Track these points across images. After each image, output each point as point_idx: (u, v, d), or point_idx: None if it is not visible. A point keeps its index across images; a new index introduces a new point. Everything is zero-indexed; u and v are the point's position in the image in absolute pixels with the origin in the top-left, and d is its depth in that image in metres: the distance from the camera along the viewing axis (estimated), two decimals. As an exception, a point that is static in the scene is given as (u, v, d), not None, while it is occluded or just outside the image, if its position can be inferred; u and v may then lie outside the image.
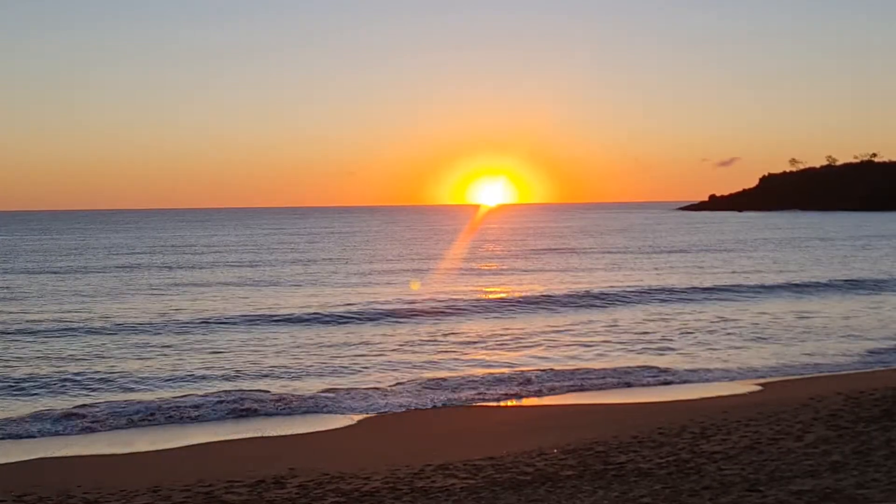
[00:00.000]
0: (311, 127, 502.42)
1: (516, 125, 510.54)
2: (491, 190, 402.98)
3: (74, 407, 16.00)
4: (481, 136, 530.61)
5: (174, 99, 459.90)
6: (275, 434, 14.57)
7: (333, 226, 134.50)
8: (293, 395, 17.02)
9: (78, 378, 18.62)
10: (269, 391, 17.42)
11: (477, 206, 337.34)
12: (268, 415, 15.71)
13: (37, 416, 15.30)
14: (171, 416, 15.40)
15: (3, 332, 24.17)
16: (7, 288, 38.07)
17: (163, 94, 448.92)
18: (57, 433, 14.54)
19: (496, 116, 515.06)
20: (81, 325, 25.43)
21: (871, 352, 21.75)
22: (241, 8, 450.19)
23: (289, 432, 14.69)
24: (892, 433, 11.85)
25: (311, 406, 16.28)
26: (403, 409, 16.18)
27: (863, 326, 25.57)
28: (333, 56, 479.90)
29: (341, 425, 15.16)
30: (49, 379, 18.43)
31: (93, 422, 15.10)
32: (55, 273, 47.05)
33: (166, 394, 16.94)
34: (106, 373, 19.18)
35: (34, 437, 14.33)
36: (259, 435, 14.51)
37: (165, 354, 21.14)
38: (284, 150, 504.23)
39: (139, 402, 16.19)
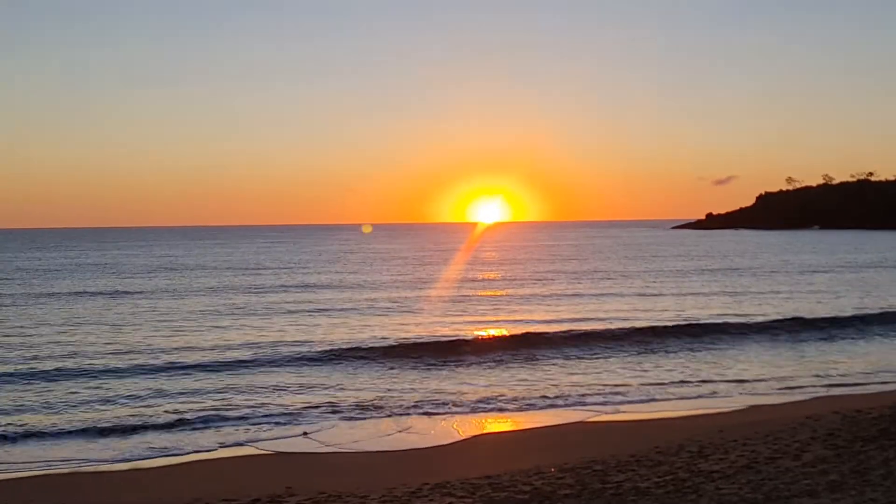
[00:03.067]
0: (311, 143, 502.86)
1: (514, 143, 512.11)
2: (488, 208, 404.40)
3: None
4: (480, 155, 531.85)
5: (171, 115, 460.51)
6: (271, 452, 14.54)
7: (332, 245, 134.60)
8: (286, 414, 17.07)
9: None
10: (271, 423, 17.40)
11: (475, 224, 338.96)
12: (263, 439, 15.63)
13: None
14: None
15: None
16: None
17: (158, 110, 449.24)
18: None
19: (495, 135, 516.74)
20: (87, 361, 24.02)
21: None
22: (239, 24, 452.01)
23: (285, 450, 14.66)
24: (889, 452, 11.85)
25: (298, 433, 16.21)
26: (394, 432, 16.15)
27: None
28: (335, 73, 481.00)
29: (337, 444, 15.13)
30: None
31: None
32: (49, 296, 46.89)
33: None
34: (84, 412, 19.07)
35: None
36: (256, 453, 14.49)
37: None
38: (284, 166, 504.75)
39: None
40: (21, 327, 30.77)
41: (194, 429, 16.10)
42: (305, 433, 15.70)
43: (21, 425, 16.23)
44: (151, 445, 14.96)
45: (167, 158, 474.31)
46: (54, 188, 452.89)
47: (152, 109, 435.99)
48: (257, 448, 14.85)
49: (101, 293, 46.07)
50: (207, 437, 15.51)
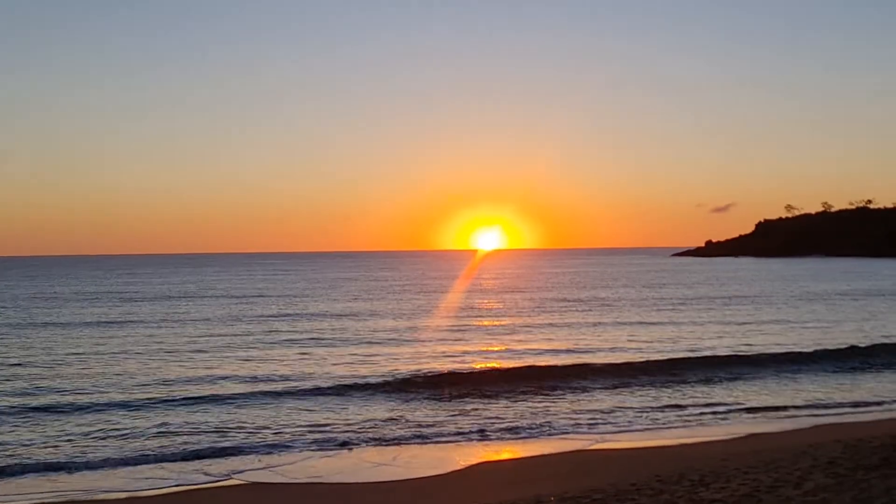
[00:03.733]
0: (313, 170, 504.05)
1: (514, 172, 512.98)
2: (488, 236, 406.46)
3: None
4: (480, 184, 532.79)
5: (171, 142, 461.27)
6: (268, 482, 14.44)
7: (333, 273, 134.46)
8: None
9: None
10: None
11: (475, 251, 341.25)
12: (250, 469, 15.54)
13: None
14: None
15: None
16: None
17: (157, 137, 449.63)
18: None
19: (495, 164, 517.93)
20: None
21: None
22: (240, 49, 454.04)
23: (284, 480, 14.56)
24: (891, 481, 11.74)
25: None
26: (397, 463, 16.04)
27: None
28: (339, 100, 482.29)
29: (337, 472, 15.02)
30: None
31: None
32: (47, 326, 46.73)
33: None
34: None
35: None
36: (254, 481, 14.39)
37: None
38: (286, 193, 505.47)
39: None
40: (18, 357, 30.60)
41: (184, 459, 16.02)
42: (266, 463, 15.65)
43: (18, 457, 16.16)
44: (146, 476, 14.90)
45: (167, 185, 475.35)
46: (52, 216, 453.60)
47: (151, 136, 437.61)
48: (240, 479, 14.72)
49: (98, 322, 45.90)
50: (198, 468, 15.43)
